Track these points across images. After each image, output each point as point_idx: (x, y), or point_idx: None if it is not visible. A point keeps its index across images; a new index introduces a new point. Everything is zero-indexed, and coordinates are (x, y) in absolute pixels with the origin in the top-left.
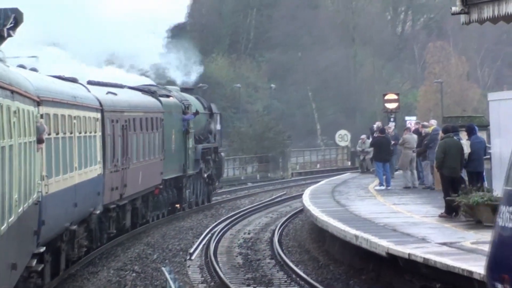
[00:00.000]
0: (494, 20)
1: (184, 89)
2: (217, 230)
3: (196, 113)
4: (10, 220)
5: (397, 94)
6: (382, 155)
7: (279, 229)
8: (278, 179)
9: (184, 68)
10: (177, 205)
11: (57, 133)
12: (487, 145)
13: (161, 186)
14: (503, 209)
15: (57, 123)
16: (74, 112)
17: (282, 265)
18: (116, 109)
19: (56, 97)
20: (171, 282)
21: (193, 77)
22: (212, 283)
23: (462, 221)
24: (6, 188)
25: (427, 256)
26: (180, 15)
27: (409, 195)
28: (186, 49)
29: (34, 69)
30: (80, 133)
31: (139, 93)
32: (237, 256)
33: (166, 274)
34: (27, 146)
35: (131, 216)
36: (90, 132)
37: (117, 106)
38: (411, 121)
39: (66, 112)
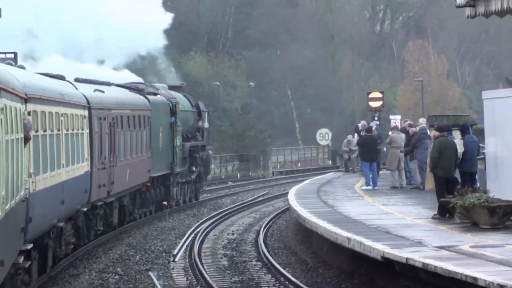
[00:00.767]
0: (502, 13)
1: (172, 87)
2: (199, 230)
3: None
4: None
5: (382, 93)
6: (368, 154)
7: (263, 229)
8: (259, 178)
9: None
10: (165, 203)
11: (45, 131)
12: (482, 145)
13: (148, 184)
14: None
15: (45, 121)
16: (62, 110)
17: (269, 267)
18: (104, 107)
19: (44, 95)
20: None
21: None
22: (199, 287)
23: (457, 223)
24: None
25: (427, 261)
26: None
27: (398, 195)
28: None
29: (21, 67)
30: (67, 130)
31: (126, 91)
32: (222, 258)
33: (155, 280)
34: (14, 143)
35: (118, 214)
36: (78, 130)
37: (104, 103)
38: (395, 119)
39: (54, 109)
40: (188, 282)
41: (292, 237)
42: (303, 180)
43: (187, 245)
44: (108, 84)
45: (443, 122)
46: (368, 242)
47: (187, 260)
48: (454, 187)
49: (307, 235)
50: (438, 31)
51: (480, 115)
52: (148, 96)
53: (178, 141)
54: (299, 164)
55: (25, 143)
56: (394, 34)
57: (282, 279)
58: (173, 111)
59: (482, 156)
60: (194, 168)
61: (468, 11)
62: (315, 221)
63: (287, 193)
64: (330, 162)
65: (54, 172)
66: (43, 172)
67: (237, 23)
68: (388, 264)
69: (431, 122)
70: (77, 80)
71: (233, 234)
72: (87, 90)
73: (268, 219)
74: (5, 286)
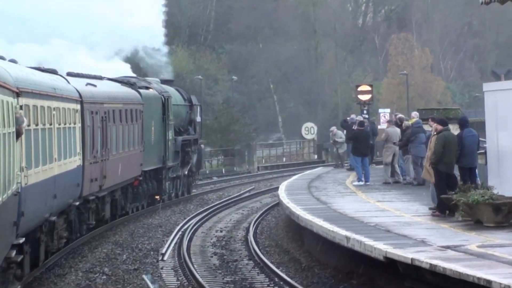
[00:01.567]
0: None
1: (164, 81)
2: (187, 227)
3: None
4: None
5: (371, 86)
6: (360, 149)
7: (253, 226)
8: (244, 173)
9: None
10: (157, 197)
11: (37, 125)
12: (481, 139)
13: (140, 178)
14: None
15: (37, 115)
16: (54, 104)
17: (262, 267)
18: (96, 101)
19: (36, 89)
20: None
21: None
22: (190, 287)
23: (459, 221)
24: None
25: (434, 261)
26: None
27: (392, 191)
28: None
29: (13, 61)
30: (59, 124)
31: (118, 85)
32: (212, 257)
33: (149, 284)
34: (6, 137)
35: (110, 208)
36: (70, 124)
37: (96, 97)
38: (385, 113)
39: (46, 103)
40: (179, 282)
41: (283, 234)
42: (289, 175)
43: (175, 243)
44: (100, 78)
45: (439, 116)
46: (369, 242)
47: (176, 259)
48: (455, 183)
49: (299, 232)
50: (422, 24)
51: (464, 109)
52: (140, 90)
53: (170, 135)
54: (284, 159)
55: (17, 138)
56: (376, 28)
57: (276, 279)
58: (165, 105)
59: (482, 151)
60: (186, 162)
61: None
62: (310, 219)
63: (274, 189)
64: (316, 156)
65: (46, 166)
66: (35, 166)
67: (218, 17)
68: (389, 265)
69: (421, 116)
70: (69, 74)
71: (221, 231)
72: (79, 84)
73: (257, 215)
74: None
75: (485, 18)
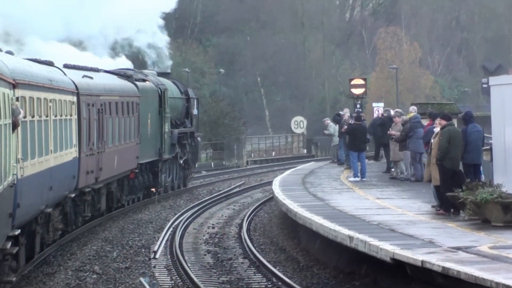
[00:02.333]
0: None
1: (161, 74)
2: (178, 223)
3: None
4: None
5: (364, 79)
6: (357, 144)
7: (245, 223)
8: (233, 167)
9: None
10: (153, 189)
11: (33, 116)
12: (486, 135)
13: (136, 170)
14: None
15: (33, 106)
16: (50, 96)
17: (258, 266)
18: (92, 93)
19: (32, 80)
20: None
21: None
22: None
23: (465, 220)
24: None
25: (447, 264)
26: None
27: (390, 188)
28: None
29: (9, 52)
30: (56, 116)
31: (115, 77)
32: (205, 255)
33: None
34: (2, 129)
35: (106, 200)
36: (66, 116)
37: (93, 89)
38: (378, 107)
39: (42, 95)
40: (173, 282)
41: (278, 231)
42: (279, 170)
43: (167, 240)
44: (96, 70)
45: (433, 110)
46: (374, 242)
47: (169, 257)
48: (461, 180)
49: (294, 229)
50: (411, 17)
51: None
52: (137, 83)
53: (167, 127)
54: (273, 153)
55: (13, 129)
56: (364, 21)
57: (274, 279)
58: (161, 98)
59: (487, 147)
60: (182, 155)
61: None
62: (309, 217)
63: (264, 184)
64: (305, 151)
65: (42, 158)
66: (31, 158)
67: (205, 9)
68: (395, 266)
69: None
70: (65, 66)
71: (213, 228)
72: (76, 76)
73: (249, 211)
74: None
75: (474, 12)
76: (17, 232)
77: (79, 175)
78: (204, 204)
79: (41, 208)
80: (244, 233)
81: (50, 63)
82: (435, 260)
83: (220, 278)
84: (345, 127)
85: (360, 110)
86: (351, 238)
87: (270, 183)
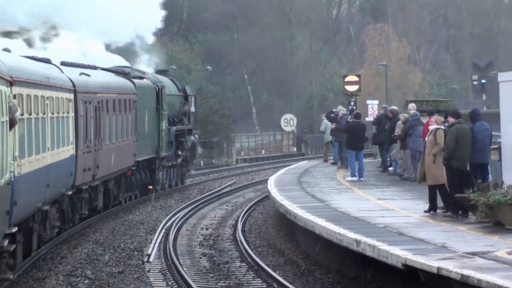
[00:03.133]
0: None
1: (158, 71)
2: (170, 224)
3: None
4: None
5: (358, 76)
6: (355, 142)
7: (240, 224)
8: (223, 166)
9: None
10: (150, 187)
11: (30, 114)
12: (494, 133)
13: (133, 168)
14: None
15: (30, 104)
16: (47, 93)
17: (256, 270)
18: (89, 90)
19: (29, 78)
20: None
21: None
22: None
23: (476, 223)
24: None
25: (466, 272)
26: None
27: (390, 188)
28: None
29: (7, 50)
30: (53, 113)
31: (112, 75)
32: (201, 258)
33: None
34: None
35: (103, 197)
36: (63, 113)
37: (90, 87)
38: (373, 104)
39: (39, 92)
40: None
41: (274, 233)
42: (270, 169)
43: (160, 242)
44: (94, 67)
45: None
46: (384, 246)
47: (163, 260)
48: (469, 181)
49: (291, 231)
50: (398, 14)
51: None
52: (134, 80)
53: (164, 125)
54: (263, 151)
55: (11, 127)
56: (351, 18)
57: (275, 284)
58: (159, 95)
59: (495, 146)
60: (180, 152)
61: None
62: (311, 219)
63: (256, 183)
64: (295, 149)
65: (39, 155)
66: (28, 156)
67: (192, 6)
68: (405, 271)
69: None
70: (63, 63)
71: (207, 229)
72: (73, 73)
73: (243, 212)
74: None
75: (461, 9)
76: (14, 229)
77: (76, 172)
78: (195, 204)
79: (38, 205)
80: (240, 235)
81: (47, 61)
82: (452, 267)
83: (218, 284)
84: (335, 124)
85: (355, 107)
86: (358, 242)
87: (261, 182)
